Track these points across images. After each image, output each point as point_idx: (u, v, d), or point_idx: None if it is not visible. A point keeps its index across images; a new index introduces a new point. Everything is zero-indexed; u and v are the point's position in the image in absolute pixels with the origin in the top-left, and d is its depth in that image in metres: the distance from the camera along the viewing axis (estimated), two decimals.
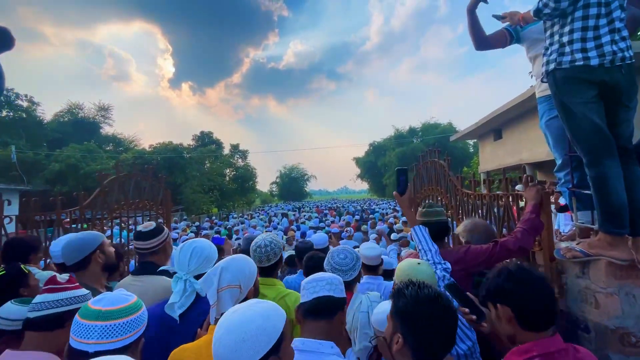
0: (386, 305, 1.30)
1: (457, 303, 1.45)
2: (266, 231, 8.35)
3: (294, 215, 16.64)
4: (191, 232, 9.33)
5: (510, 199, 2.28)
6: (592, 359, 1.08)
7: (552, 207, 2.35)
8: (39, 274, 1.77)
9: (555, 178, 2.12)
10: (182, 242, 2.33)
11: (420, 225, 1.89)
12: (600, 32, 1.56)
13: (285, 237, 7.44)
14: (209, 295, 1.29)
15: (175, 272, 1.53)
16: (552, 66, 1.66)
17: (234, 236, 9.27)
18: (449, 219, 3.10)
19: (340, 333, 1.32)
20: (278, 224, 12.02)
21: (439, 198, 3.72)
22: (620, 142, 1.63)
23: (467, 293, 1.44)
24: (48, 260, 3.16)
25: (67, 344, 0.98)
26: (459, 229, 2.23)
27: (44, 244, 3.16)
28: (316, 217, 13.72)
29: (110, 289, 1.72)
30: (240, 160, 35.58)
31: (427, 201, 3.91)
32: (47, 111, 37.00)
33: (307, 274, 2.04)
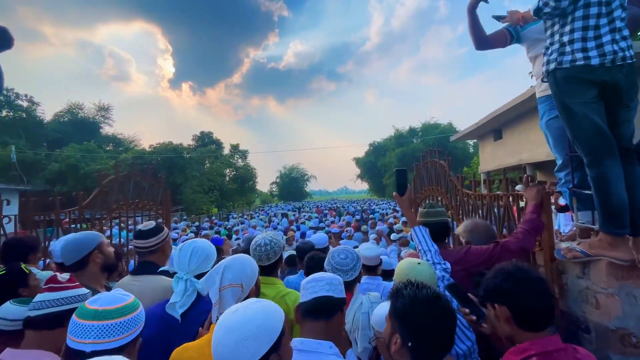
0: (386, 306, 1.30)
1: (458, 303, 1.44)
2: (266, 231, 8.32)
3: (294, 215, 16.63)
4: (191, 232, 9.32)
5: (511, 199, 2.27)
6: None
7: (552, 207, 2.35)
8: (39, 274, 1.77)
9: (556, 178, 2.12)
10: (182, 242, 2.33)
11: (420, 226, 1.89)
12: (601, 31, 1.56)
13: (285, 237, 7.43)
14: (211, 294, 1.30)
15: (175, 273, 1.53)
16: (552, 66, 1.66)
17: (234, 236, 9.26)
18: (450, 219, 3.10)
19: (340, 333, 1.32)
20: (278, 224, 12.02)
21: (439, 198, 3.72)
22: (621, 142, 1.62)
23: (469, 294, 1.44)
24: (47, 261, 3.16)
25: (64, 344, 0.98)
26: (459, 229, 2.22)
27: (43, 244, 3.16)
28: (316, 218, 13.72)
29: (109, 289, 1.72)
30: (240, 160, 35.60)
31: (427, 201, 3.90)
32: (47, 111, 37.14)
33: (307, 274, 2.04)
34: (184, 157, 25.75)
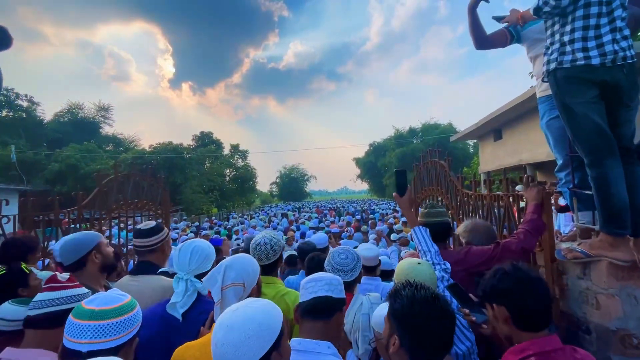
0: (386, 307, 1.30)
1: (458, 304, 1.44)
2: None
3: (294, 215, 16.64)
4: (191, 232, 9.32)
5: (511, 200, 2.27)
6: None
7: (552, 207, 2.34)
8: (39, 274, 1.77)
9: (556, 178, 2.12)
10: (182, 242, 2.33)
11: (421, 226, 1.88)
12: (602, 31, 1.55)
13: (285, 237, 7.43)
14: (213, 293, 1.31)
15: (174, 273, 1.53)
16: (553, 65, 1.65)
17: (234, 236, 9.26)
18: (450, 220, 3.10)
19: (339, 333, 1.32)
20: (278, 224, 12.02)
21: (439, 198, 3.72)
22: (622, 142, 1.62)
23: (470, 294, 1.43)
24: (47, 261, 3.15)
25: (61, 344, 0.98)
26: (460, 229, 2.22)
27: (42, 244, 3.15)
28: (316, 218, 13.71)
29: (109, 289, 1.72)
30: (240, 160, 35.60)
31: (427, 202, 3.90)
32: (47, 111, 37.14)
33: (308, 275, 2.04)
34: (184, 157, 25.75)
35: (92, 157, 21.88)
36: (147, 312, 1.43)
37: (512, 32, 2.17)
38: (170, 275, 1.74)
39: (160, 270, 1.83)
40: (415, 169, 4.47)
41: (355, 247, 2.99)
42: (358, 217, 12.27)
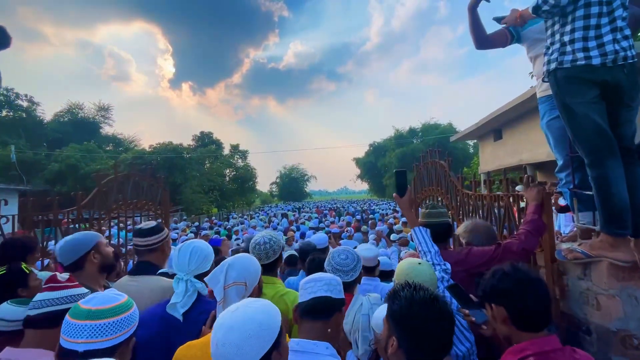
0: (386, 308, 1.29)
1: (458, 304, 1.43)
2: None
3: (294, 215, 16.64)
4: (191, 232, 9.32)
5: (511, 200, 2.26)
6: None
7: (552, 207, 2.34)
8: (39, 274, 1.77)
9: (556, 179, 2.11)
10: (182, 242, 2.33)
11: (421, 227, 1.88)
12: (602, 31, 1.55)
13: (284, 237, 7.43)
14: (216, 292, 1.32)
15: (174, 274, 1.53)
16: (553, 65, 1.65)
17: (234, 236, 9.26)
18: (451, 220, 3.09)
19: (338, 334, 1.32)
20: (278, 224, 12.02)
21: (439, 199, 3.71)
22: (623, 142, 1.62)
23: (470, 295, 1.43)
24: (45, 261, 3.15)
25: (58, 344, 0.98)
26: (460, 229, 2.22)
27: (42, 244, 3.15)
28: (316, 218, 13.71)
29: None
30: (240, 160, 35.59)
31: (427, 202, 3.90)
32: (47, 111, 37.15)
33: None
34: (184, 157, 25.74)
35: (92, 157, 21.88)
36: (147, 313, 1.43)
37: (513, 32, 2.16)
38: (170, 276, 1.74)
39: (159, 271, 1.83)
40: (415, 169, 4.47)
41: (355, 247, 2.99)
42: (358, 217, 12.27)
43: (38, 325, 1.19)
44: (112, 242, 3.93)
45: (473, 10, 2.12)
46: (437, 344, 1.00)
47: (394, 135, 38.11)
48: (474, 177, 3.15)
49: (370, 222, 9.20)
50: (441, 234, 1.94)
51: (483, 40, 2.19)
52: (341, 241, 6.36)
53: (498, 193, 2.50)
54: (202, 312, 1.43)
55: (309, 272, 2.29)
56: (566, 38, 1.61)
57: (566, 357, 1.06)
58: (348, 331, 1.56)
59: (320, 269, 1.88)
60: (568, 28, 1.61)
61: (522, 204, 2.14)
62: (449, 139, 20.65)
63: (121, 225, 4.62)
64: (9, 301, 1.40)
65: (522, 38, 2.18)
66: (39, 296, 1.22)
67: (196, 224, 14.39)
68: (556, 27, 1.67)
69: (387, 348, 1.05)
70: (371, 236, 6.72)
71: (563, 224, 4.29)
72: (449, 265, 1.71)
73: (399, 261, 3.94)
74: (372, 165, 40.27)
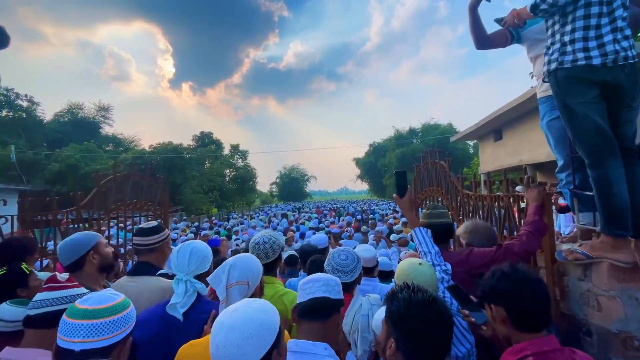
0: None
1: (458, 305, 1.43)
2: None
3: (294, 215, 16.63)
4: (191, 232, 9.32)
5: (511, 200, 2.26)
6: None
7: (553, 207, 2.34)
8: (39, 274, 1.77)
9: (556, 179, 2.11)
10: (182, 242, 2.33)
11: (421, 227, 1.87)
12: (602, 31, 1.55)
13: (284, 237, 7.43)
14: (218, 292, 1.34)
15: (174, 275, 1.53)
16: (553, 66, 1.64)
17: (234, 237, 9.26)
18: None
19: (337, 334, 1.32)
20: (278, 224, 12.02)
21: (440, 199, 3.71)
22: (623, 142, 1.61)
23: (471, 296, 1.42)
24: (45, 261, 3.14)
25: (55, 344, 0.97)
26: (460, 230, 2.21)
27: (41, 245, 3.14)
28: (316, 218, 13.71)
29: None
30: (240, 160, 35.56)
31: (427, 202, 3.89)
32: (47, 111, 37.15)
33: None
34: (184, 157, 25.73)
35: (92, 157, 21.87)
36: (147, 313, 1.44)
37: (513, 32, 2.16)
38: (170, 276, 1.74)
39: (159, 272, 1.83)
40: (416, 170, 4.47)
41: (354, 247, 2.98)
42: (358, 217, 12.27)
43: (38, 325, 1.19)
44: (111, 242, 3.92)
45: (473, 10, 2.12)
46: (436, 345, 1.00)
47: (394, 135, 38.08)
48: (474, 178, 3.14)
49: (370, 222, 9.20)
50: (442, 234, 1.93)
51: (483, 41, 2.19)
52: (341, 241, 6.35)
53: (498, 194, 2.50)
54: (202, 312, 1.44)
55: (309, 273, 2.28)
56: (566, 38, 1.61)
57: (565, 357, 1.06)
58: (347, 332, 1.56)
59: (321, 270, 1.88)
60: (568, 28, 1.61)
61: (523, 205, 2.14)
62: (449, 139, 20.64)
63: (121, 225, 4.62)
64: (8, 302, 1.40)
65: (522, 38, 2.18)
66: (38, 296, 1.22)
67: (196, 224, 14.38)
68: (556, 27, 1.67)
69: (385, 349, 1.05)
70: (371, 236, 6.72)
71: (563, 224, 4.28)
72: (449, 266, 1.70)
73: (399, 262, 3.94)
74: (372, 165, 40.26)
